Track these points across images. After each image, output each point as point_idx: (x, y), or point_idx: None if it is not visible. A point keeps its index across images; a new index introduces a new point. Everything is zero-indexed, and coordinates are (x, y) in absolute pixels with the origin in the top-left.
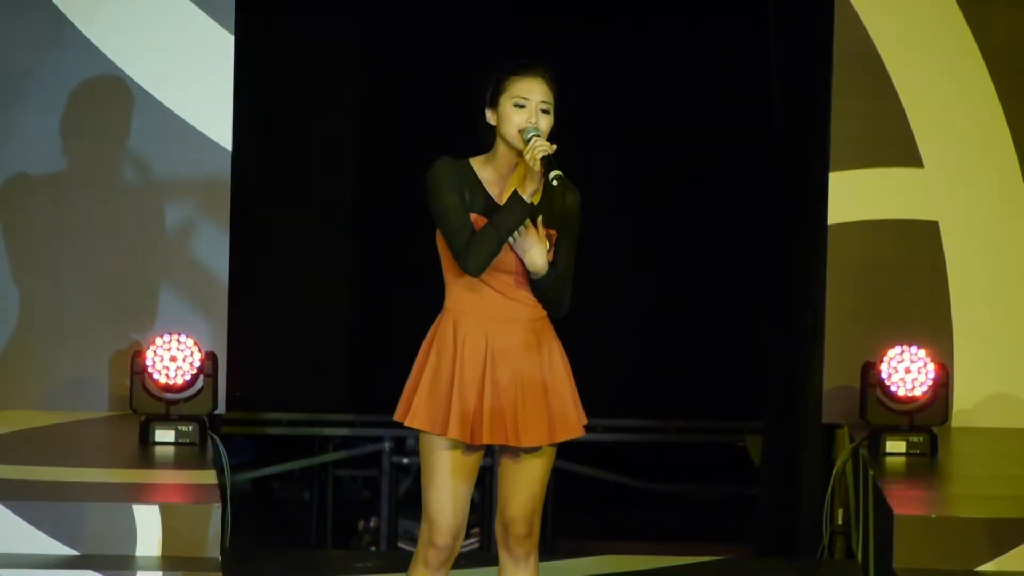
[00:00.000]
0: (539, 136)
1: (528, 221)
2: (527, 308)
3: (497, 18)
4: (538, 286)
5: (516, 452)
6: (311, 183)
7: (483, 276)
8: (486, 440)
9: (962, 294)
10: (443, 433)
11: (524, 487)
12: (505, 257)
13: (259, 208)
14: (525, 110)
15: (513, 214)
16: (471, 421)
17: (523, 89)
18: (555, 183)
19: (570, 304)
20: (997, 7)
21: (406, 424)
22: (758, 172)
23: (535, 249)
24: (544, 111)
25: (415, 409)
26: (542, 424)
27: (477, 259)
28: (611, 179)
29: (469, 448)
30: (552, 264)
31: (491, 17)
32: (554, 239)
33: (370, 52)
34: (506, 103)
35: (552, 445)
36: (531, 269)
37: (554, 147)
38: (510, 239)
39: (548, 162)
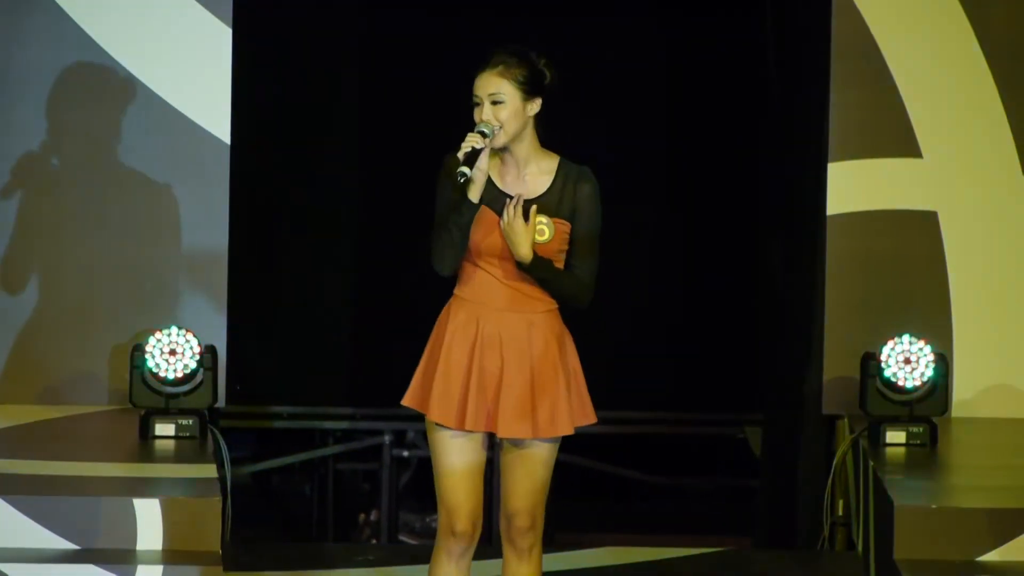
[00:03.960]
0: (482, 133)
1: (519, 210)
2: (529, 299)
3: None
4: (539, 278)
5: (516, 444)
6: (312, 176)
7: (481, 263)
8: (468, 426)
9: (961, 284)
10: (426, 413)
11: (523, 480)
12: (501, 245)
13: (258, 201)
14: (479, 108)
15: (459, 212)
16: (455, 406)
17: (475, 88)
18: (460, 180)
19: (591, 296)
20: None
21: (402, 403)
22: (756, 163)
23: (518, 238)
24: (496, 102)
25: (410, 389)
26: (524, 417)
27: (435, 257)
28: (611, 168)
29: (467, 432)
30: (567, 260)
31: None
32: (564, 231)
33: (372, 42)
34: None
35: (552, 440)
36: (515, 258)
37: (483, 145)
38: (502, 227)
39: (467, 157)
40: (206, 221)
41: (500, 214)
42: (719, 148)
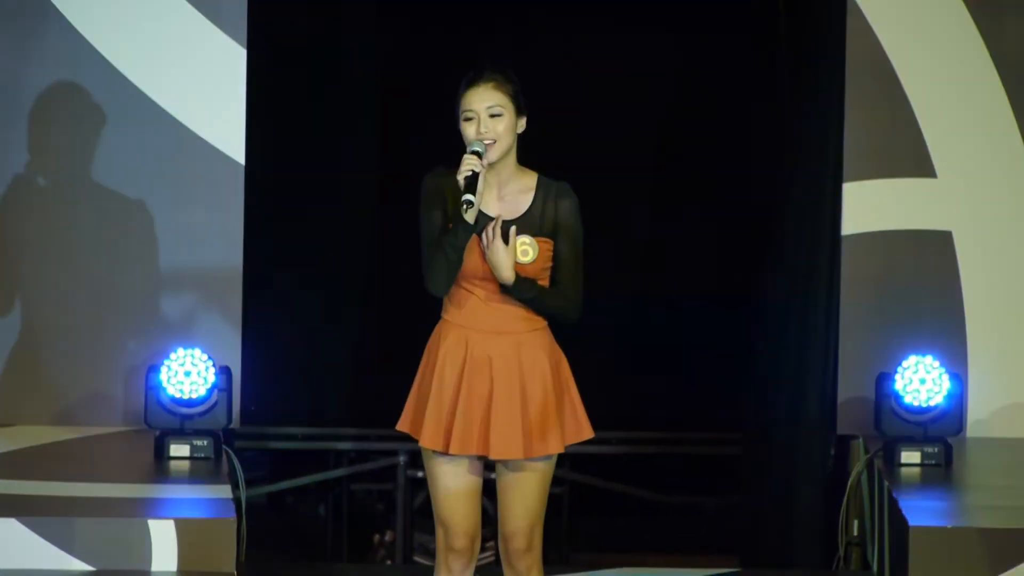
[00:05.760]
0: (476, 154)
1: (498, 232)
2: (516, 319)
3: (525, 27)
4: (523, 298)
5: (510, 466)
6: (325, 197)
7: (467, 286)
8: (454, 451)
9: (976, 304)
10: (418, 438)
11: (519, 501)
12: (484, 266)
13: (273, 222)
14: (473, 123)
15: (455, 234)
16: (445, 430)
17: (467, 102)
18: (464, 208)
19: (579, 310)
20: (1010, 17)
21: (396, 428)
22: (767, 182)
23: (499, 260)
24: (494, 115)
25: (404, 414)
26: (515, 437)
27: (429, 279)
28: (612, 185)
29: (460, 456)
30: (552, 276)
31: (520, 27)
32: (547, 249)
33: (387, 63)
34: (461, 121)
35: (546, 459)
36: (498, 280)
37: (481, 167)
38: (483, 250)
39: (468, 183)
40: (221, 242)
41: (481, 236)
42: (729, 168)
